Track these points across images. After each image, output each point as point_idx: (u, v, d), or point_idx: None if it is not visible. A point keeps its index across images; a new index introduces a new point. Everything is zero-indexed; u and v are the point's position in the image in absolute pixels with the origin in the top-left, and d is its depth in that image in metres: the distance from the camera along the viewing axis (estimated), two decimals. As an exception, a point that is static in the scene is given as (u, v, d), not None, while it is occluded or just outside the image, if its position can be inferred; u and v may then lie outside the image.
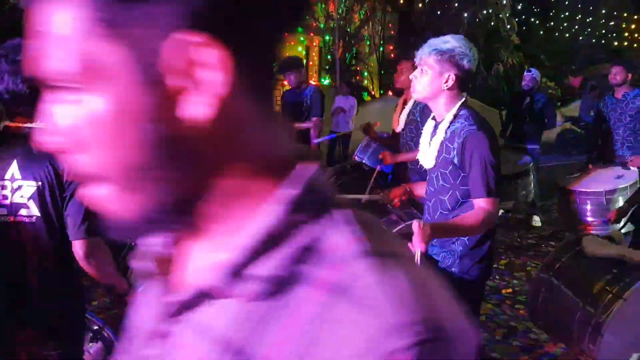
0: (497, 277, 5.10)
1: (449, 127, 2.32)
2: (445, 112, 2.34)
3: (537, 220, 6.93)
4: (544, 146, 7.42)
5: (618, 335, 2.95)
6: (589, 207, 4.69)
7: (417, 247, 2.00)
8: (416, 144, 3.77)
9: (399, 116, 4.19)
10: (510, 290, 4.81)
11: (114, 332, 2.79)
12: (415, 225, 2.04)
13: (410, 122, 4.01)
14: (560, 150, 14.07)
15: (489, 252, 2.41)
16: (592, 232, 3.94)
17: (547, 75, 16.44)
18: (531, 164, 6.08)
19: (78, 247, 2.00)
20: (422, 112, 3.84)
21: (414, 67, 3.29)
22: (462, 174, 2.29)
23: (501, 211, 7.18)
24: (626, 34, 19.71)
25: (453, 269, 2.39)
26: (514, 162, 6.17)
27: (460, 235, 2.31)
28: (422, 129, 3.70)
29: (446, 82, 2.29)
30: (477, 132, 2.23)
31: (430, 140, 2.44)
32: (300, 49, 17.54)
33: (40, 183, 1.92)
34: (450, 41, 2.29)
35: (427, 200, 2.52)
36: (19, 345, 1.99)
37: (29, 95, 1.90)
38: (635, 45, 19.71)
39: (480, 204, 2.24)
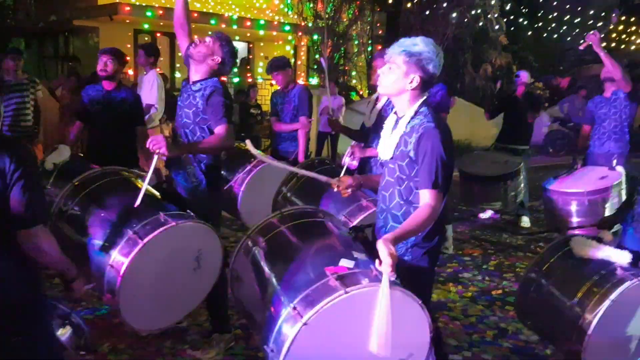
0: (487, 278, 5.11)
1: (409, 122, 2.48)
2: (407, 108, 2.49)
3: (526, 221, 6.96)
4: (533, 147, 7.47)
5: (604, 336, 2.96)
6: (572, 208, 4.70)
7: (386, 271, 2.14)
8: None
9: (371, 112, 4.21)
10: (500, 291, 4.82)
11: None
12: (380, 247, 2.17)
13: (382, 118, 4.03)
14: (548, 151, 14.18)
15: (437, 244, 2.64)
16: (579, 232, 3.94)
17: (535, 76, 16.54)
18: (521, 165, 6.10)
19: (24, 236, 2.00)
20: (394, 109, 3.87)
21: None
22: (416, 167, 2.44)
23: (490, 212, 7.23)
24: (614, 35, 19.89)
25: (405, 257, 2.55)
26: (505, 162, 6.19)
27: (414, 234, 2.46)
28: None
29: (411, 82, 2.43)
30: (433, 129, 2.39)
31: (391, 133, 2.58)
32: (288, 48, 17.51)
33: None
34: (419, 44, 2.40)
35: (383, 190, 2.64)
36: None
37: None
38: (622, 46, 19.89)
39: (425, 195, 2.41)
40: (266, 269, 2.63)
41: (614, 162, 5.19)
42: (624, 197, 4.54)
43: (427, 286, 2.72)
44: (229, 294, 3.21)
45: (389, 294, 2.11)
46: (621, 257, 3.10)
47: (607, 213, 4.41)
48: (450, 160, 2.40)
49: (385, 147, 2.58)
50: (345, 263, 2.31)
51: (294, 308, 2.17)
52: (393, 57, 2.43)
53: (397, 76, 2.43)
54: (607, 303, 2.89)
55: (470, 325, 4.13)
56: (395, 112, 2.58)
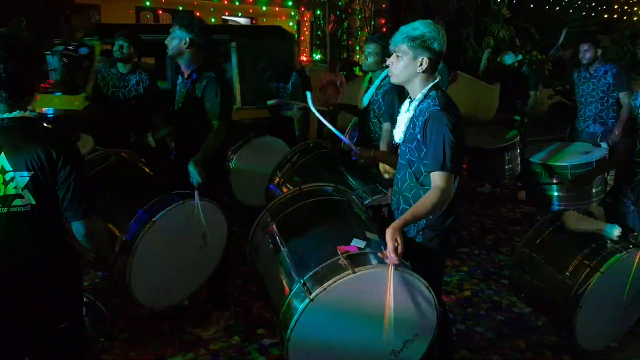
0: (484, 252, 5.20)
1: (418, 105, 2.53)
2: (419, 91, 2.54)
3: (523, 195, 7.03)
4: (535, 120, 7.45)
5: (595, 307, 3.06)
6: (554, 180, 4.68)
7: (392, 261, 2.22)
8: (375, 124, 4.07)
9: (364, 94, 4.26)
10: (495, 265, 4.92)
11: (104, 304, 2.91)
12: (387, 238, 2.23)
13: (373, 102, 4.10)
14: (551, 124, 14.15)
15: (450, 227, 2.66)
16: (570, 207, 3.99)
17: (537, 49, 16.42)
18: (518, 138, 6.14)
19: (80, 226, 2.10)
20: (384, 94, 3.96)
21: (383, 48, 3.61)
22: (424, 150, 2.48)
23: (489, 186, 7.31)
24: (616, 6, 19.67)
25: (417, 239, 2.61)
26: (502, 136, 6.22)
27: (423, 218, 2.48)
28: (384, 110, 3.95)
29: (420, 65, 2.47)
30: (439, 112, 2.42)
31: (403, 116, 2.63)
32: (291, 23, 17.42)
33: (33, 172, 1.96)
34: (419, 27, 2.45)
35: (397, 172, 2.72)
36: (29, 324, 2.07)
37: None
38: (625, 17, 19.69)
39: (435, 178, 2.42)
40: (281, 244, 2.71)
41: (598, 139, 5.25)
42: (606, 174, 4.57)
43: (437, 268, 2.75)
44: (243, 267, 3.16)
45: (391, 287, 2.21)
46: (611, 231, 3.20)
47: (592, 188, 4.45)
48: (458, 142, 2.40)
49: (399, 129, 2.64)
50: (356, 243, 2.39)
51: (304, 284, 2.27)
52: (397, 46, 2.48)
53: (405, 63, 2.48)
54: (597, 275, 3.00)
55: (465, 299, 4.22)
56: (409, 96, 2.64)
